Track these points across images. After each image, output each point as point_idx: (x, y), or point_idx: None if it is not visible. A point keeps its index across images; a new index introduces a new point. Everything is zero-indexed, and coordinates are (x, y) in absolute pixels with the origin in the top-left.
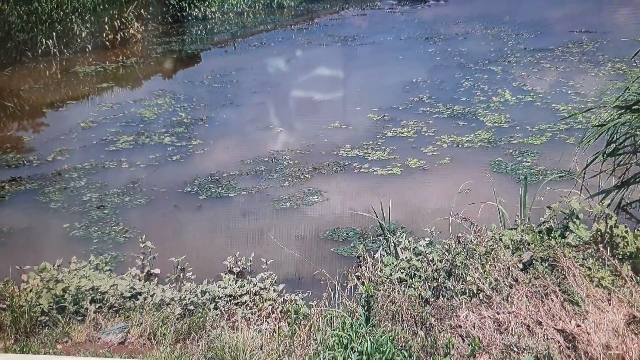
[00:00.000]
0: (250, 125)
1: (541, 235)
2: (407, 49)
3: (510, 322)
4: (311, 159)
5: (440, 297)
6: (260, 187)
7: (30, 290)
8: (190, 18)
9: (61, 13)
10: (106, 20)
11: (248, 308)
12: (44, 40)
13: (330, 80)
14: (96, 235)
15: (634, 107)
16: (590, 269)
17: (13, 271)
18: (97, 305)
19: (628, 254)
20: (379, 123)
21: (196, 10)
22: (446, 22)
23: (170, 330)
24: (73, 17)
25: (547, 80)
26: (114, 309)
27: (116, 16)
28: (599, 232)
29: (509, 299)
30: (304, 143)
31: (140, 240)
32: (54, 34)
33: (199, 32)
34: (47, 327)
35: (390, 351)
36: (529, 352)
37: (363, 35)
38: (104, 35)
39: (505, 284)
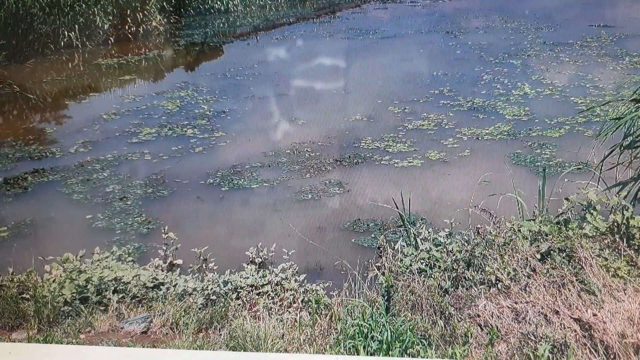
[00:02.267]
0: (272, 117)
1: (559, 226)
2: (428, 42)
3: (528, 312)
4: (332, 151)
5: (460, 287)
6: (281, 178)
7: (53, 281)
8: (212, 11)
9: (83, 5)
10: (128, 12)
11: (270, 298)
12: (66, 32)
13: (352, 73)
14: (119, 226)
15: None
16: (606, 259)
17: (36, 262)
18: (120, 296)
19: None
20: (400, 115)
21: (218, 3)
22: (467, 15)
23: (192, 320)
24: (95, 9)
25: (566, 74)
26: (137, 299)
27: (138, 8)
28: (615, 224)
29: (527, 288)
30: (325, 135)
31: (162, 231)
32: (76, 26)
33: (222, 24)
34: (70, 317)
35: (409, 340)
36: (546, 341)
37: (384, 28)
38: (126, 27)
39: (523, 274)
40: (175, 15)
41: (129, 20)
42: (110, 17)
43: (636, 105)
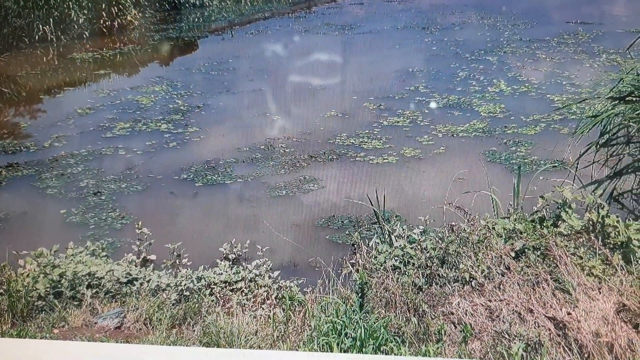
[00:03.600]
0: (246, 112)
1: (533, 224)
2: (403, 38)
3: (501, 310)
4: (307, 147)
5: (434, 284)
6: (256, 174)
7: (27, 275)
8: (187, 5)
9: None
10: (103, 6)
11: (243, 294)
12: (40, 26)
13: (327, 69)
14: (93, 221)
15: (627, 99)
16: (581, 257)
17: (10, 256)
18: (94, 291)
19: (619, 243)
20: (375, 112)
21: None
22: (443, 11)
23: (166, 316)
24: (70, 3)
25: (542, 71)
26: (111, 294)
27: (113, 2)
28: (590, 222)
29: (501, 286)
30: (300, 131)
31: (136, 226)
32: (51, 20)
33: (196, 19)
34: (43, 312)
35: (383, 337)
36: (520, 339)
37: (360, 24)
38: (101, 21)
39: (497, 272)
40: (150, 9)
41: (104, 15)
42: (85, 11)
43: (613, 103)
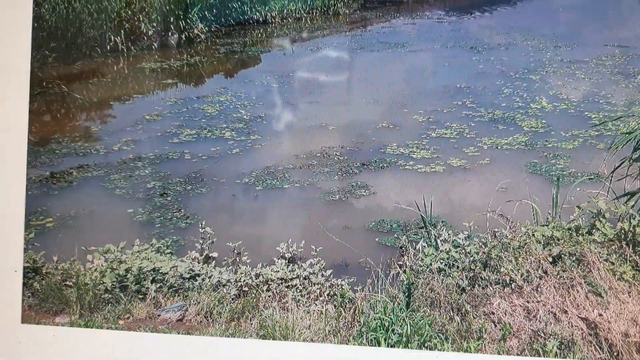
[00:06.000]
0: (304, 123)
1: (570, 232)
2: (452, 56)
3: (538, 310)
4: (359, 156)
5: (476, 286)
6: (311, 180)
7: (95, 270)
8: (251, 21)
9: (129, 12)
10: (172, 20)
11: (298, 291)
12: (112, 37)
13: (380, 84)
14: (158, 220)
15: None
16: (613, 263)
17: (79, 252)
18: (158, 285)
19: None
20: (424, 124)
21: (257, 14)
22: (490, 32)
23: (225, 310)
24: (140, 16)
25: (581, 90)
26: (174, 288)
27: (181, 16)
28: (622, 231)
29: (539, 289)
30: (354, 141)
31: (200, 225)
32: (122, 31)
33: (260, 34)
34: (110, 304)
35: (427, 334)
36: (554, 338)
37: (412, 43)
38: (170, 34)
39: (535, 276)
40: (216, 24)
41: (172, 28)
42: (155, 24)
43: None
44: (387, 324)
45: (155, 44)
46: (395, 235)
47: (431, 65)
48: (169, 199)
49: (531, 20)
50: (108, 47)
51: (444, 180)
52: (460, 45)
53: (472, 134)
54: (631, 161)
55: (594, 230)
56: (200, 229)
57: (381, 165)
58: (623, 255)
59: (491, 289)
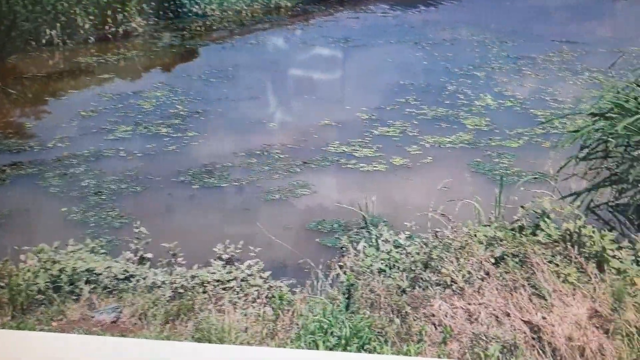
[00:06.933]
0: (243, 119)
1: (513, 232)
2: (396, 52)
3: (480, 313)
4: (301, 154)
5: (417, 287)
6: (251, 178)
7: (28, 270)
8: (190, 14)
9: (65, 4)
10: (109, 13)
11: (235, 293)
12: (47, 30)
13: (322, 79)
14: (93, 219)
15: (607, 115)
16: (557, 265)
17: (12, 252)
18: (92, 286)
19: (594, 252)
20: (367, 122)
21: (196, 7)
22: (435, 27)
23: (160, 312)
24: (77, 9)
25: (527, 87)
26: (108, 289)
27: (118, 9)
28: (567, 232)
29: (480, 290)
30: (295, 138)
31: (134, 225)
32: (58, 24)
33: (198, 28)
34: (43, 306)
35: (367, 337)
36: (496, 341)
37: (356, 37)
38: (107, 27)
39: (477, 277)
40: (154, 17)
41: (109, 21)
42: (92, 17)
43: (593, 119)
44: (325, 326)
45: (92, 38)
46: (336, 236)
47: (375, 61)
48: (104, 197)
49: (477, 14)
50: (43, 40)
51: (386, 179)
52: (404, 41)
53: (415, 132)
54: (577, 160)
55: (538, 231)
56: (135, 229)
57: (323, 163)
58: (568, 257)
59: (432, 290)
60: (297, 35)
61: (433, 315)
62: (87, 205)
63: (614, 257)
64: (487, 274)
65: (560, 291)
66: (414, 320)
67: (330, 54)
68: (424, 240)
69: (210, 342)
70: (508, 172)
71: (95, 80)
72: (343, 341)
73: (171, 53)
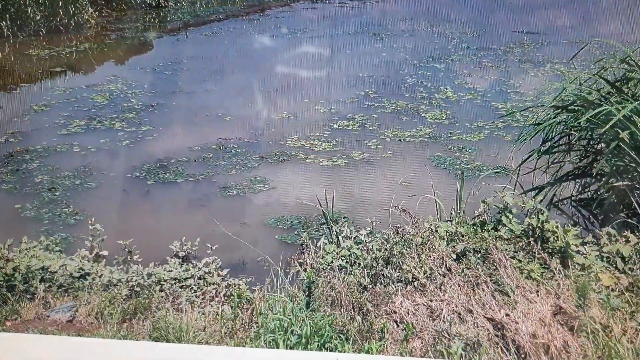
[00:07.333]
0: (199, 112)
1: (475, 227)
2: (354, 43)
3: (442, 310)
4: (258, 148)
5: (378, 284)
6: (207, 174)
7: None
8: (144, 5)
9: None
10: (60, 4)
11: (192, 291)
12: None
13: (279, 72)
14: (47, 216)
15: (569, 107)
16: (520, 261)
17: None
18: (47, 285)
19: (557, 248)
20: (326, 115)
21: None
22: (393, 18)
23: (117, 310)
24: (27, 0)
25: (488, 79)
26: (63, 288)
27: (70, 1)
28: (530, 227)
29: (442, 287)
30: (252, 132)
31: (89, 222)
32: (7, 16)
33: (152, 19)
34: None
35: (328, 335)
36: (459, 339)
37: (313, 28)
38: (58, 19)
39: (439, 273)
40: (107, 9)
41: (61, 12)
42: (42, 9)
43: (555, 111)
44: (286, 324)
45: (43, 30)
46: (296, 232)
47: (333, 53)
48: (58, 194)
49: (436, 5)
50: None
51: (346, 174)
52: (362, 32)
53: (374, 126)
54: (539, 154)
55: (500, 226)
56: (90, 226)
57: (281, 158)
58: (531, 253)
59: (393, 287)
60: (253, 26)
61: (395, 313)
62: (41, 202)
63: (578, 252)
64: (449, 270)
65: (524, 287)
66: (376, 317)
67: (286, 45)
68: (384, 236)
69: (168, 341)
70: (469, 166)
71: (47, 74)
72: (304, 340)
73: (124, 45)
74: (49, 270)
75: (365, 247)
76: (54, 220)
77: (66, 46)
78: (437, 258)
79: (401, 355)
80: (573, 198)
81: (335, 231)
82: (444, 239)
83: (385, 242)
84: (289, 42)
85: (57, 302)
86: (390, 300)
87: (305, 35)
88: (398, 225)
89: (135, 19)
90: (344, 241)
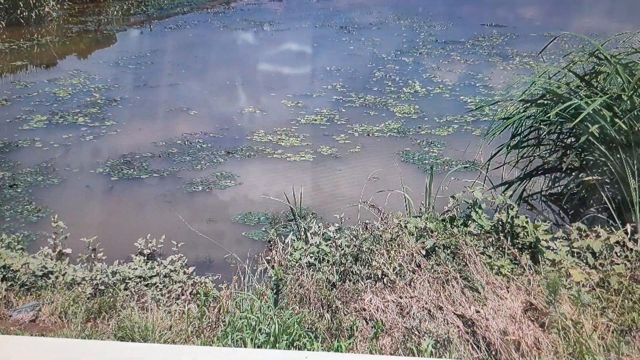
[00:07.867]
0: (163, 107)
1: (444, 223)
2: (322, 36)
3: (412, 307)
4: (224, 143)
5: (347, 281)
6: (172, 169)
7: None
8: None
9: None
10: None
11: (158, 289)
12: None
13: (245, 65)
14: (8, 214)
15: (539, 102)
16: (490, 257)
17: None
18: (9, 284)
19: (527, 243)
20: (293, 109)
21: None
22: (361, 11)
23: (81, 309)
24: None
25: (457, 73)
26: (26, 287)
27: None
28: (500, 222)
29: (412, 284)
30: (218, 127)
31: (52, 219)
32: None
33: (115, 12)
34: None
35: (296, 333)
36: (429, 336)
37: (279, 21)
38: (19, 12)
39: (408, 270)
40: (69, 1)
41: (21, 5)
42: (2, 1)
43: (524, 105)
44: (253, 323)
45: (3, 23)
46: (263, 229)
47: (299, 46)
48: (19, 190)
49: None
50: None
51: (314, 170)
52: (329, 25)
53: (342, 120)
54: (509, 148)
55: (469, 222)
56: (53, 223)
57: (248, 153)
58: (501, 248)
59: (362, 283)
60: (218, 19)
61: (364, 310)
62: (2, 199)
63: (548, 248)
64: (419, 266)
65: (494, 284)
66: (345, 315)
67: (252, 38)
68: (353, 232)
69: (133, 340)
70: (438, 161)
71: (7, 68)
72: (272, 338)
73: (87, 39)
74: (10, 268)
75: (334, 244)
76: (15, 217)
77: (27, 40)
78: (407, 254)
79: (371, 353)
80: (543, 193)
81: (304, 227)
82: (413, 234)
83: (354, 239)
84: (255, 36)
85: (20, 302)
86: (359, 298)
87: (271, 28)
88: (367, 221)
89: (97, 12)
90: (312, 238)
